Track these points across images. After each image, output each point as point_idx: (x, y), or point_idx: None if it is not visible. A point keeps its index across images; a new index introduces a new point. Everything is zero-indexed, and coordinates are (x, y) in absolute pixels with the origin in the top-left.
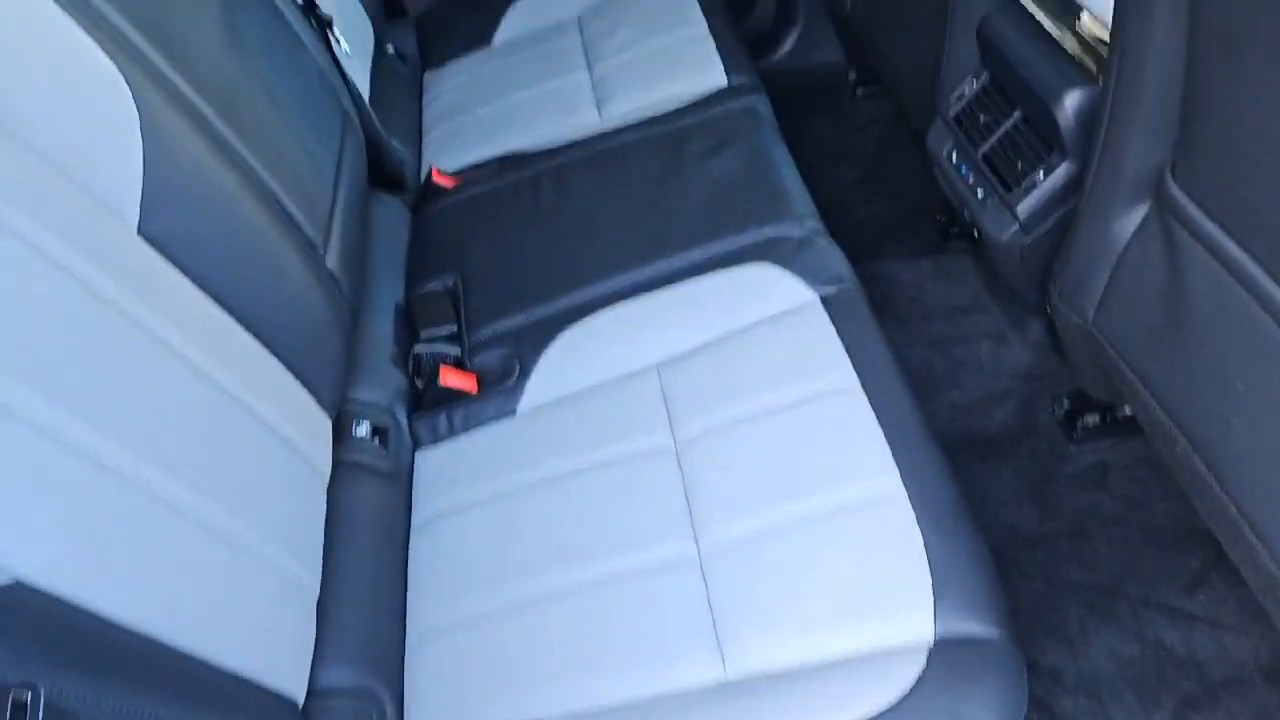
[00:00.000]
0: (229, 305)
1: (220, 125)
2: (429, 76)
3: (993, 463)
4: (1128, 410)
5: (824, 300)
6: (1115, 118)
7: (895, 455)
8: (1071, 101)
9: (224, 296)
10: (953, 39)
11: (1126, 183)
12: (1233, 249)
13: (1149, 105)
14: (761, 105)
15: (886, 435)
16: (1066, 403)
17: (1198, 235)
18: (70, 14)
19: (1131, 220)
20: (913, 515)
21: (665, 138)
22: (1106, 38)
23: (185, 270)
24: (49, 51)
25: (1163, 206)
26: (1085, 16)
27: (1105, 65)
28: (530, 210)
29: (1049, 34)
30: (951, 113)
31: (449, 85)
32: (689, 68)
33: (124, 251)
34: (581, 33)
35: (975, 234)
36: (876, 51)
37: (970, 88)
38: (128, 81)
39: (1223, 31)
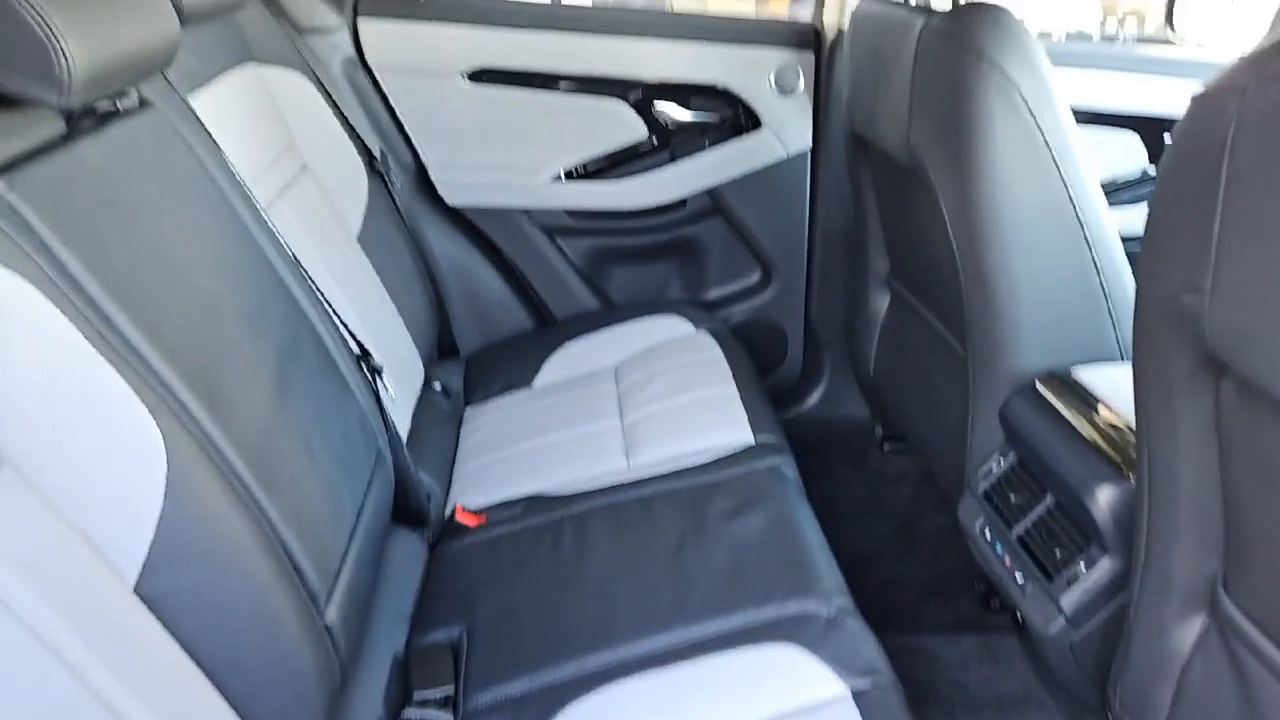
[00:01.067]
0: (206, 665)
1: (248, 477)
2: (469, 411)
3: None
4: None
5: (855, 695)
6: (1154, 523)
7: None
8: (1105, 498)
9: (203, 656)
10: (977, 413)
11: (1177, 591)
12: None
13: (1187, 514)
14: (787, 467)
15: None
16: None
17: (1259, 657)
18: (110, 360)
19: (1189, 632)
20: None
21: (690, 492)
22: (1125, 427)
23: (170, 628)
24: (77, 391)
25: (1221, 621)
26: (1102, 409)
27: (1136, 465)
28: (549, 559)
29: (1071, 423)
30: (980, 489)
31: (486, 422)
32: (716, 424)
33: (111, 613)
34: (617, 382)
35: (1018, 616)
36: (901, 414)
37: (998, 465)
38: (163, 434)
39: (1256, 454)
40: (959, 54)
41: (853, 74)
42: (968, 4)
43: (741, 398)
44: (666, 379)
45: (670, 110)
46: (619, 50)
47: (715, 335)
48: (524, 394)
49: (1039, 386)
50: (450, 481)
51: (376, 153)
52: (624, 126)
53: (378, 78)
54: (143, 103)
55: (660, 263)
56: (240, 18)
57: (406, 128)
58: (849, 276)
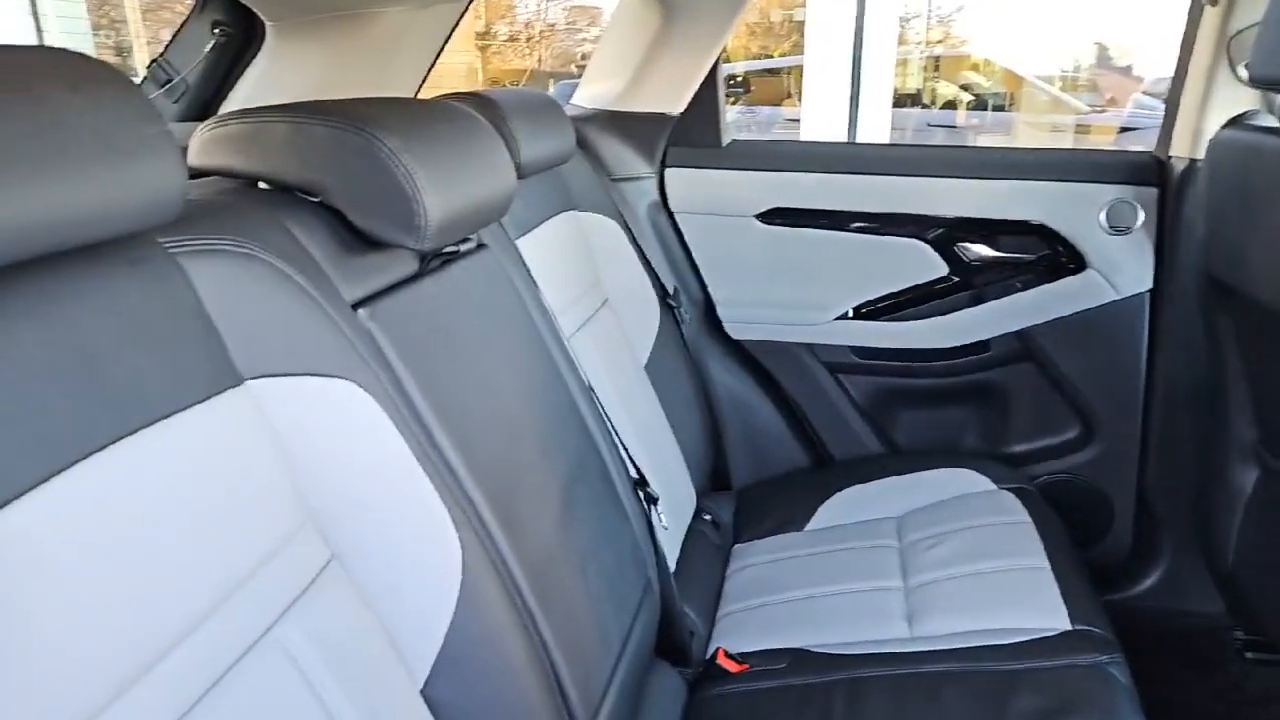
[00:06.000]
0: None
1: (529, 596)
2: (738, 549)
3: None
4: None
5: None
6: None
7: None
8: None
9: None
10: None
11: None
12: None
13: None
14: (1116, 667)
15: None
16: None
17: None
18: (428, 473)
19: None
20: None
21: (988, 679)
22: None
23: None
24: (399, 497)
25: None
26: None
27: None
28: None
29: None
30: None
31: (754, 563)
32: (1022, 601)
33: (400, 709)
34: (900, 536)
35: None
36: (1273, 617)
37: None
38: (462, 547)
39: None
40: None
41: (1212, 210)
42: None
43: (1055, 573)
44: (960, 540)
45: (976, 248)
46: (920, 188)
47: (1021, 496)
48: (796, 537)
49: None
50: (714, 620)
51: (670, 288)
52: (922, 264)
53: (677, 220)
54: (480, 245)
55: (955, 408)
56: (565, 170)
57: (699, 265)
58: (1202, 443)
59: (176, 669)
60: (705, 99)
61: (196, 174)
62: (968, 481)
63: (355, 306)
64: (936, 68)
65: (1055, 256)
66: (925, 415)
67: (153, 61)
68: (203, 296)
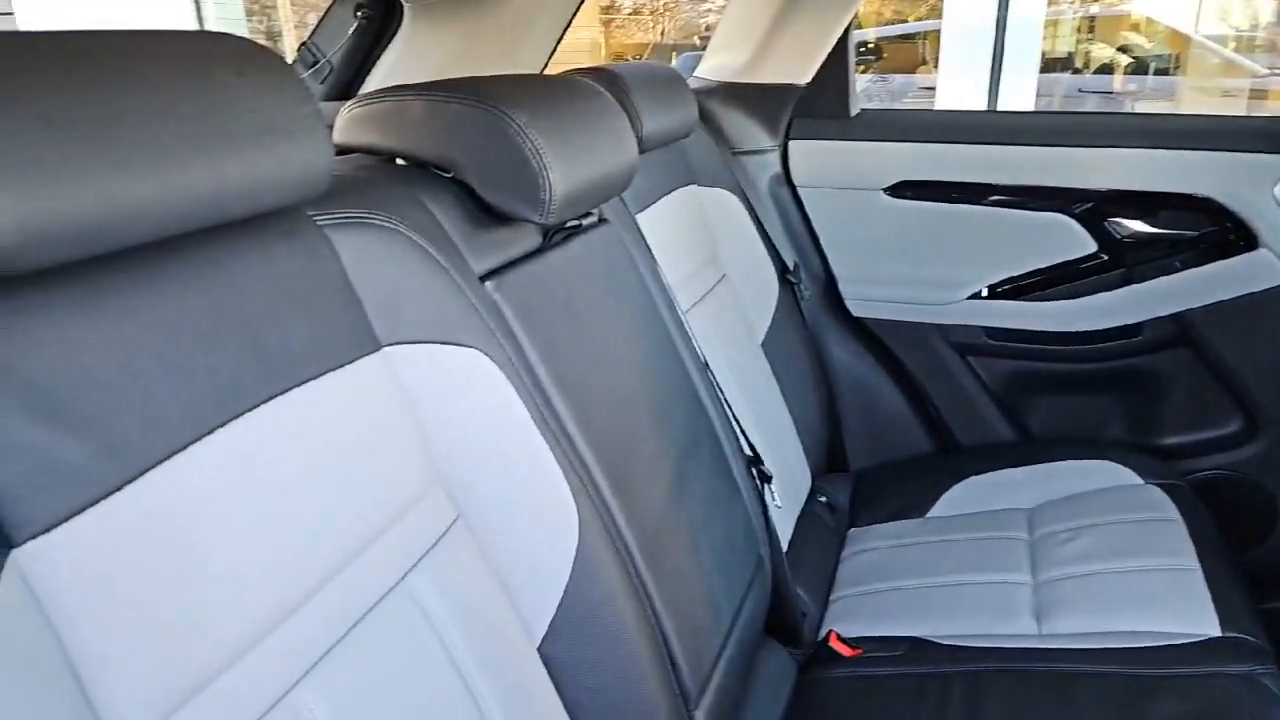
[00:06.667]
0: None
1: (641, 564)
2: (854, 533)
3: None
4: None
5: None
6: None
7: None
8: None
9: None
10: None
11: None
12: None
13: None
14: (1272, 680)
15: None
16: None
17: None
18: (546, 439)
19: None
20: None
21: (1124, 683)
22: None
23: (562, 695)
24: (519, 462)
25: None
26: None
27: None
28: (933, 717)
29: None
30: None
31: (872, 547)
32: (1165, 603)
33: (518, 665)
34: (1030, 529)
35: None
36: None
37: None
38: (578, 512)
39: None
40: None
41: None
42: None
43: (1206, 575)
44: (1098, 536)
45: (1130, 224)
46: (1066, 159)
47: (1171, 492)
48: (916, 523)
49: None
50: (827, 603)
51: (790, 264)
52: (1067, 241)
53: (800, 193)
54: (601, 220)
55: (1098, 396)
56: (686, 144)
57: (821, 240)
58: None
59: (319, 610)
60: (834, 68)
61: (340, 151)
62: (1110, 474)
63: (483, 278)
64: (1091, 29)
65: (1223, 233)
66: (1064, 402)
67: (301, 45)
68: (346, 266)
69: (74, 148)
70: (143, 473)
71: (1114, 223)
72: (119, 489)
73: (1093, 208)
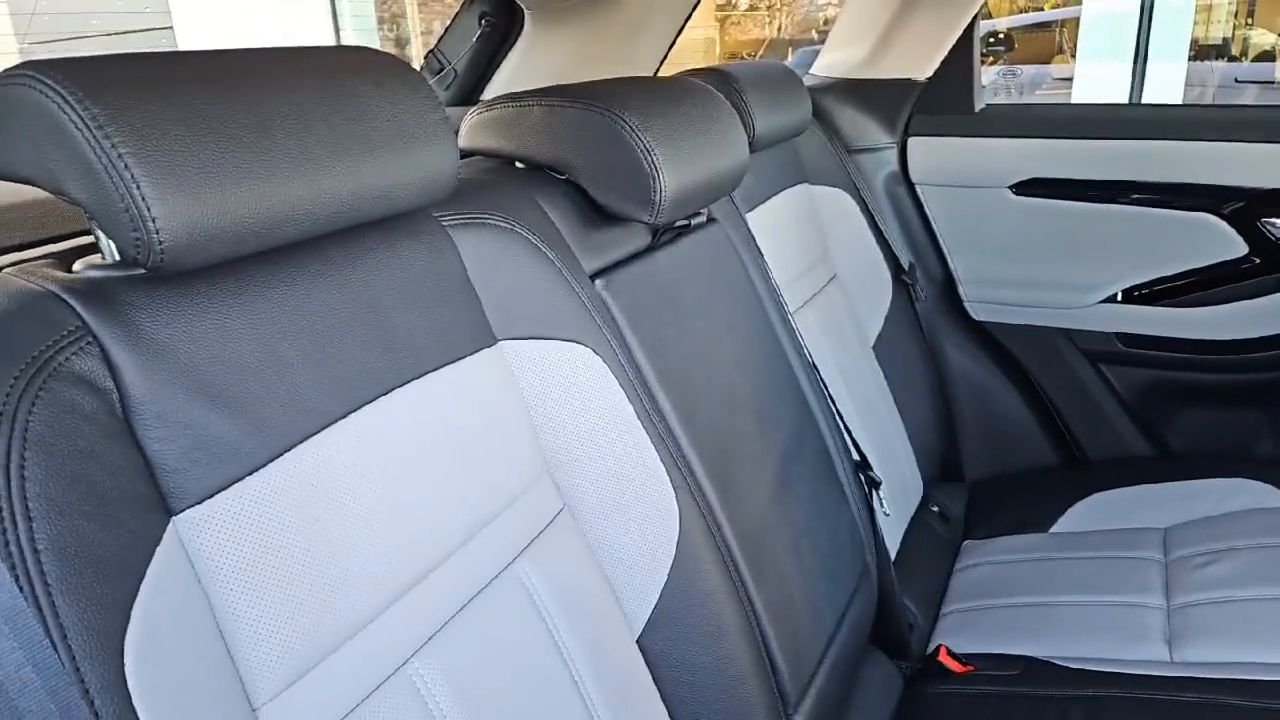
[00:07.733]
0: None
1: (742, 563)
2: (968, 545)
3: None
4: None
5: None
6: None
7: None
8: None
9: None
10: None
11: None
12: None
13: None
14: None
15: None
16: None
17: None
18: (650, 436)
19: None
20: None
21: (1264, 719)
22: None
23: (659, 687)
24: (623, 456)
25: None
26: None
27: None
28: None
29: None
30: None
31: (988, 561)
32: None
33: (618, 655)
34: (1165, 550)
35: None
36: None
37: None
38: (679, 509)
39: None
40: None
41: None
42: None
43: None
44: (1243, 560)
45: None
46: (1216, 154)
47: None
48: (1038, 538)
49: None
50: (937, 616)
51: (905, 264)
52: (1214, 242)
53: (918, 191)
54: (710, 219)
55: (1245, 410)
56: (799, 142)
57: (940, 239)
58: None
59: (434, 587)
60: (958, 61)
61: (464, 154)
62: (1257, 494)
63: (593, 277)
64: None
65: None
66: (1206, 415)
67: (429, 53)
68: (467, 264)
69: (235, 157)
70: (286, 451)
71: (1269, 223)
72: (264, 465)
73: (1244, 207)
